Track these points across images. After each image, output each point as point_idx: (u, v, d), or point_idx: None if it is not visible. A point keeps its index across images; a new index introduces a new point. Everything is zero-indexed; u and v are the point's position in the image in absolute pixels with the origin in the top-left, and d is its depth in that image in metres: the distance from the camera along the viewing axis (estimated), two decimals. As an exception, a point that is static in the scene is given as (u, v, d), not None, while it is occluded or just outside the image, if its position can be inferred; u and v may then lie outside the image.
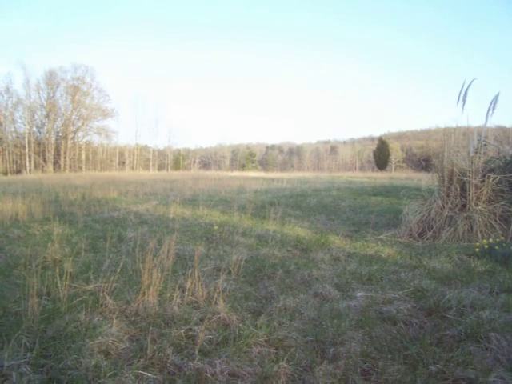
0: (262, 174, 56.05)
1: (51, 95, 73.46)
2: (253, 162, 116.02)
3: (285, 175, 52.12)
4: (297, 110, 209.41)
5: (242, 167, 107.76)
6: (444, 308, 4.52)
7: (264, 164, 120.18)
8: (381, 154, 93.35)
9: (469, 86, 9.34)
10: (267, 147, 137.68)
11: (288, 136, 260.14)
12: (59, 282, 4.52)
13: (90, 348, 3.45)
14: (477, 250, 7.11)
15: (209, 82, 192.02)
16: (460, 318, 4.23)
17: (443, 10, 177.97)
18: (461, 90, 9.41)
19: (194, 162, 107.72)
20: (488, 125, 9.59)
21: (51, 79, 73.11)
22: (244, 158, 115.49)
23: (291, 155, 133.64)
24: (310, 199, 16.84)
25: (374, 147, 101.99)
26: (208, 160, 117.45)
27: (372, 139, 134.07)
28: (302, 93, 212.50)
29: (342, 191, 22.12)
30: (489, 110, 9.32)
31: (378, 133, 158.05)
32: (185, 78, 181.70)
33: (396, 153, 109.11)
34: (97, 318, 4.04)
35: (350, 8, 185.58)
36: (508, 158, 9.19)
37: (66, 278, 4.60)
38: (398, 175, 59.51)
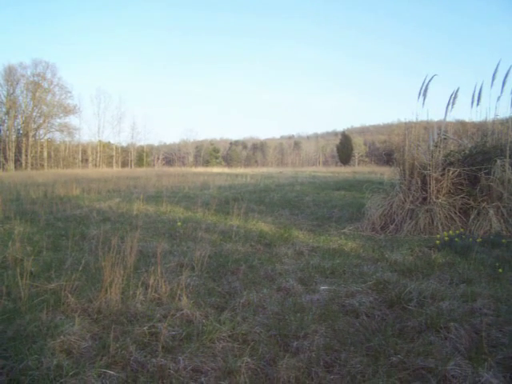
0: (226, 170, 55.91)
1: (11, 92, 72.04)
2: (217, 158, 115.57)
3: (249, 171, 52.17)
4: (260, 106, 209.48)
5: (206, 163, 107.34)
6: (405, 300, 4.59)
7: (228, 160, 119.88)
8: (344, 149, 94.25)
9: (429, 81, 9.52)
10: (231, 143, 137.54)
11: (252, 131, 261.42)
12: (20, 281, 4.45)
13: (51, 347, 3.40)
14: (437, 242, 7.25)
15: (171, 77, 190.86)
16: (421, 309, 4.31)
17: (407, 9, 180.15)
18: (422, 85, 9.58)
19: (158, 158, 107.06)
20: (448, 119, 9.77)
21: (11, 75, 71.64)
22: (208, 153, 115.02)
23: (255, 151, 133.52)
24: (274, 194, 16.91)
25: (337, 142, 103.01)
26: (172, 156, 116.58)
27: (335, 134, 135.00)
28: (266, 88, 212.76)
29: (305, 186, 22.29)
30: (448, 104, 9.49)
31: (341, 127, 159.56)
32: (148, 73, 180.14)
33: (359, 147, 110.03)
34: (58, 317, 3.99)
35: (318, 9, 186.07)
36: (467, 152, 9.37)
37: (26, 277, 4.52)
38: (361, 169, 60.03)
